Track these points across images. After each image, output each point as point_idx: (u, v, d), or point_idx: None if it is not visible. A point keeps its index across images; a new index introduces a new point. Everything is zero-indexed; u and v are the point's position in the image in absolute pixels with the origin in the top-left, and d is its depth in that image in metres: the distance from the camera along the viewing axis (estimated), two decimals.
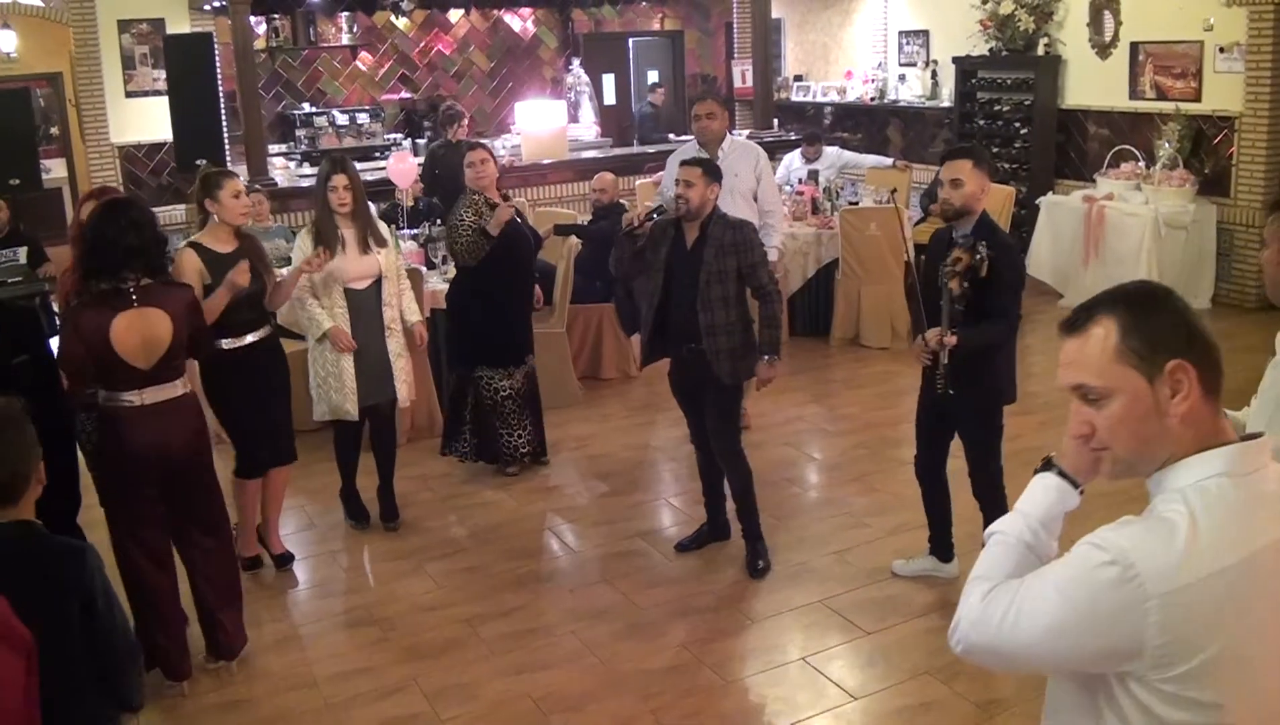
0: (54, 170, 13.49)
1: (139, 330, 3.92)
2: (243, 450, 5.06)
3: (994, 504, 4.51)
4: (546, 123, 10.98)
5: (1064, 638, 1.67)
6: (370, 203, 8.41)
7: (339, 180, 5.28)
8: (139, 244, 3.93)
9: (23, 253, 8.07)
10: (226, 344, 4.74)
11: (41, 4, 11.14)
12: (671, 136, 12.13)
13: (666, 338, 4.97)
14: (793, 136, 11.58)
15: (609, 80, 14.45)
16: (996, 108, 10.92)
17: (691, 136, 6.53)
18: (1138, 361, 1.68)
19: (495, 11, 13.48)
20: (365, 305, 5.38)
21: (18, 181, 9.67)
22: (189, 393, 4.16)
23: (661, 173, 7.08)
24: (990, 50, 10.94)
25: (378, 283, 5.40)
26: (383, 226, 5.54)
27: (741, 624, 4.63)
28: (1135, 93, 9.83)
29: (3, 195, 8.90)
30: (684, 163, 4.97)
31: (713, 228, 4.82)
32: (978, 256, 4.26)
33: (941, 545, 4.87)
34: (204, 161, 9.41)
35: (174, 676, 4.27)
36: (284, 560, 5.32)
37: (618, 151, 11.58)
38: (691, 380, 4.96)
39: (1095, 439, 1.74)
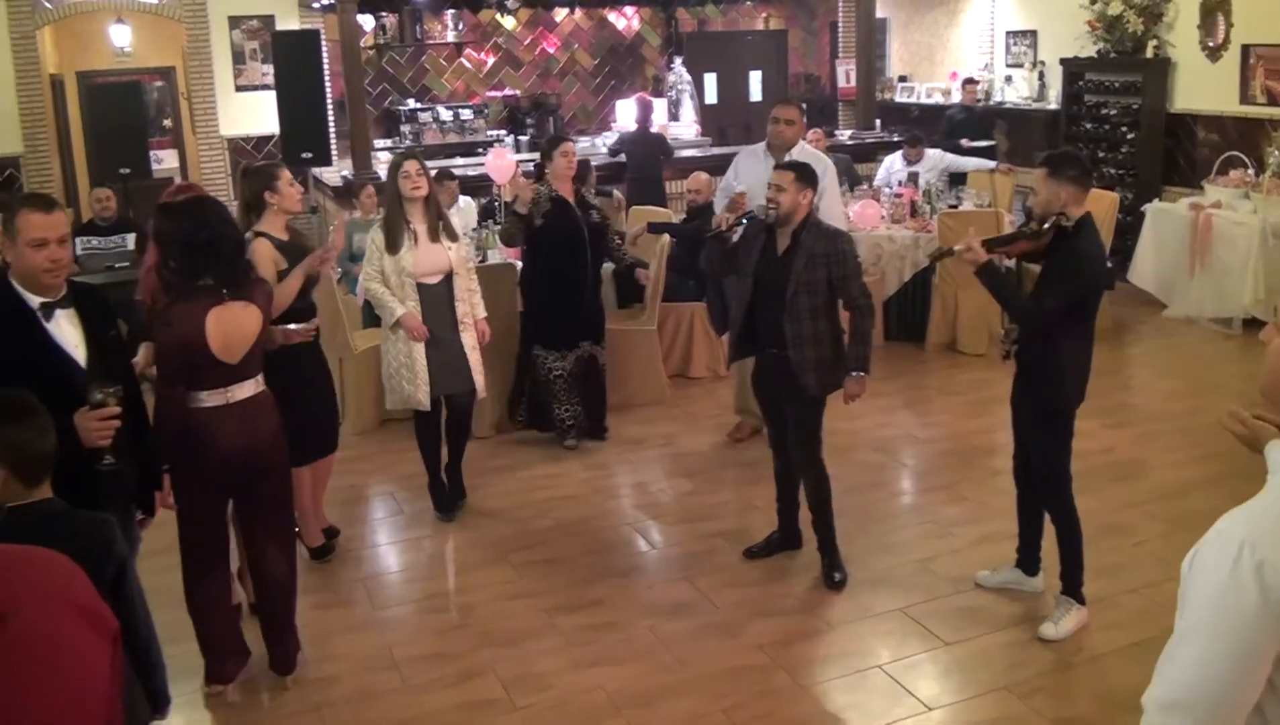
0: (166, 161, 13.94)
1: (229, 325, 3.89)
2: (294, 439, 5.11)
3: (1062, 518, 4.42)
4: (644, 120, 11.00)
5: (1230, 661, 1.63)
6: (468, 198, 8.61)
7: (410, 166, 5.38)
8: (239, 240, 4.00)
9: (131, 239, 8.36)
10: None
11: (155, 1, 11.51)
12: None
13: (754, 339, 4.93)
14: (896, 138, 11.46)
15: (710, 79, 14.43)
16: (1104, 111, 10.66)
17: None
18: None
19: (600, 10, 13.56)
20: (438, 299, 5.48)
21: (128, 171, 10.05)
22: (266, 391, 4.13)
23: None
24: (1098, 52, 10.69)
25: (449, 278, 5.49)
26: (456, 222, 5.65)
27: (819, 629, 4.60)
28: (1246, 97, 9.52)
29: (113, 184, 9.27)
30: (778, 167, 4.91)
31: (805, 236, 4.73)
32: (1038, 225, 4.26)
33: (1029, 558, 4.76)
34: (310, 155, 9.69)
35: (218, 679, 4.26)
36: (328, 535, 5.46)
37: (716, 151, 11.56)
38: (775, 384, 4.91)
39: None
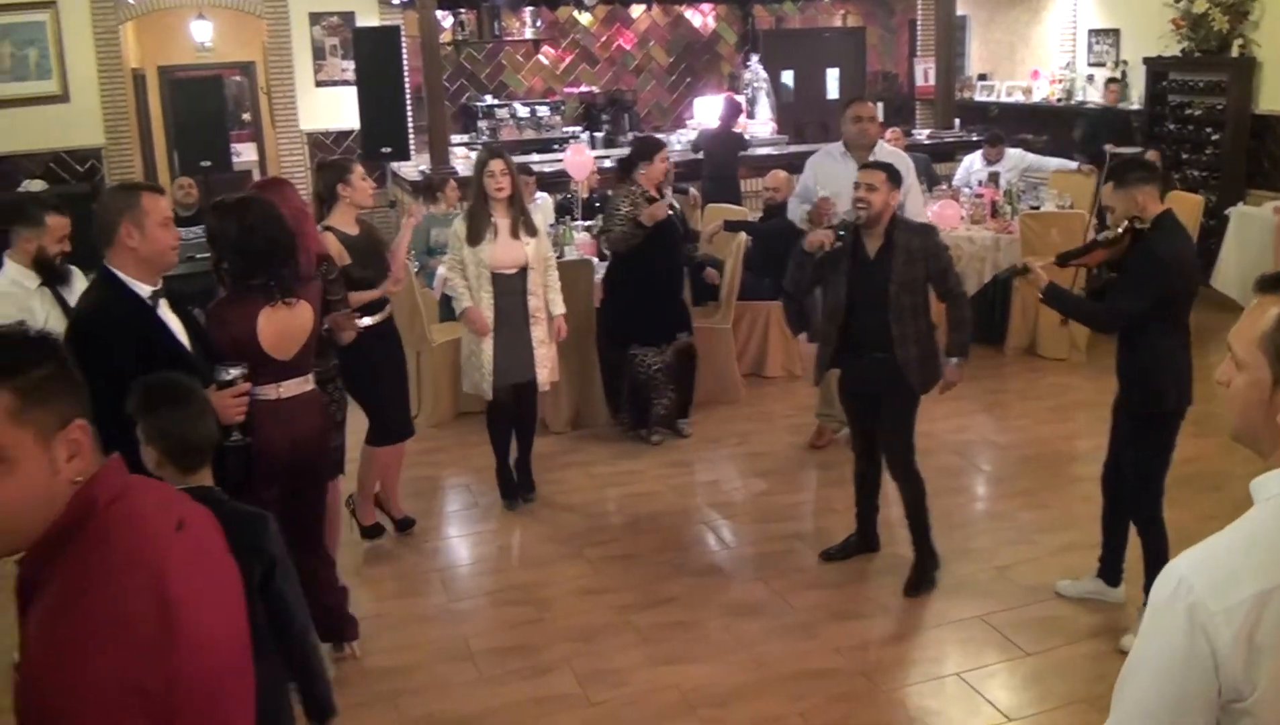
0: (244, 154, 14.15)
1: (282, 323, 3.92)
2: (378, 421, 5.23)
3: (1150, 529, 4.33)
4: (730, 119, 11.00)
5: (1163, 702, 1.59)
6: (546, 194, 8.64)
7: (496, 165, 5.43)
8: (286, 240, 3.97)
9: None
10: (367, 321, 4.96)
11: None
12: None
13: (848, 347, 4.83)
14: (974, 138, 11.31)
15: (787, 76, 14.35)
16: (1187, 111, 10.40)
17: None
18: (1273, 357, 1.64)
19: (677, 7, 13.54)
20: (511, 291, 5.54)
21: (209, 164, 10.22)
22: (316, 389, 4.16)
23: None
24: (1182, 51, 10.44)
25: (524, 271, 5.54)
26: (538, 217, 5.71)
27: (897, 633, 4.56)
28: None
29: (195, 176, 9.45)
30: (865, 166, 4.86)
31: (898, 235, 4.68)
32: (1112, 231, 4.19)
33: (1112, 568, 4.67)
34: (389, 149, 9.78)
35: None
36: (404, 524, 5.56)
37: (793, 149, 11.50)
38: (871, 390, 4.82)
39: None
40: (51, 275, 4.66)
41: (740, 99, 11.41)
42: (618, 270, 6.45)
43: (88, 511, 1.61)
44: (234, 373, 3.39)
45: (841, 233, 4.75)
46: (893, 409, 4.78)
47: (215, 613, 1.70)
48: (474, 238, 5.46)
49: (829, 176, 6.12)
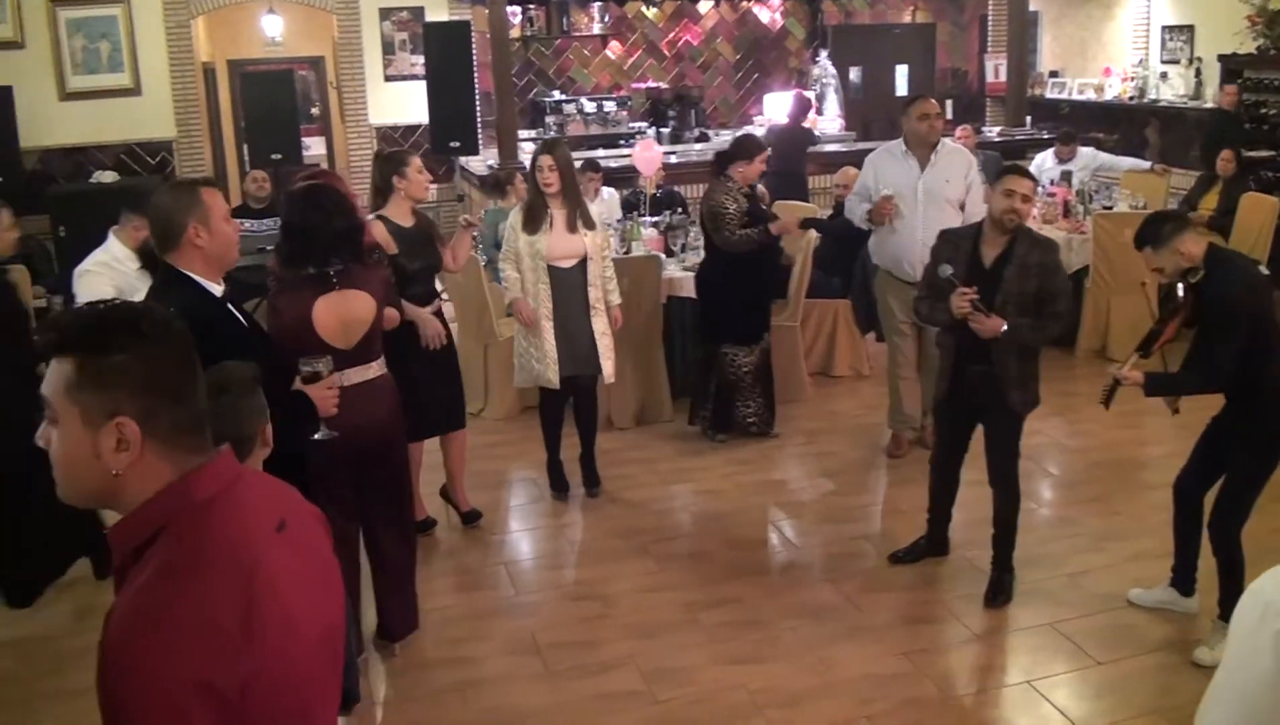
0: (313, 148, 14.31)
1: (339, 312, 3.93)
2: (414, 416, 5.17)
3: (1228, 543, 4.23)
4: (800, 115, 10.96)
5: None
6: (611, 189, 8.65)
7: (545, 161, 5.47)
8: (345, 228, 3.98)
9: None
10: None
11: None
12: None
13: (956, 357, 4.70)
14: (1045, 136, 11.16)
15: (855, 73, 14.24)
16: (1263, 110, 10.17)
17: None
18: None
19: (744, 3, 13.50)
20: (570, 284, 5.57)
21: (280, 157, 10.36)
22: (385, 374, 4.18)
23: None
24: (1258, 48, 10.21)
25: (583, 263, 5.56)
26: (594, 210, 5.70)
27: (966, 638, 4.51)
28: None
29: (265, 169, 9.59)
30: (1015, 173, 4.60)
31: (1019, 246, 4.51)
32: (1175, 299, 4.10)
33: (1185, 578, 4.58)
34: (457, 144, 9.86)
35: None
36: (470, 517, 5.61)
37: (861, 146, 11.41)
38: (972, 402, 4.71)
39: None
40: (153, 264, 4.74)
41: (810, 95, 11.34)
42: (716, 268, 6.34)
43: (181, 506, 1.62)
44: (318, 365, 3.42)
45: (953, 280, 4.55)
46: (1002, 421, 4.65)
47: (306, 618, 1.68)
48: (529, 227, 5.51)
49: (889, 175, 6.09)
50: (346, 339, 3.98)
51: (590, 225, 5.59)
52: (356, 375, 4.02)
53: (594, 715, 4.05)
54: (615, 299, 5.78)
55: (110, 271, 5.28)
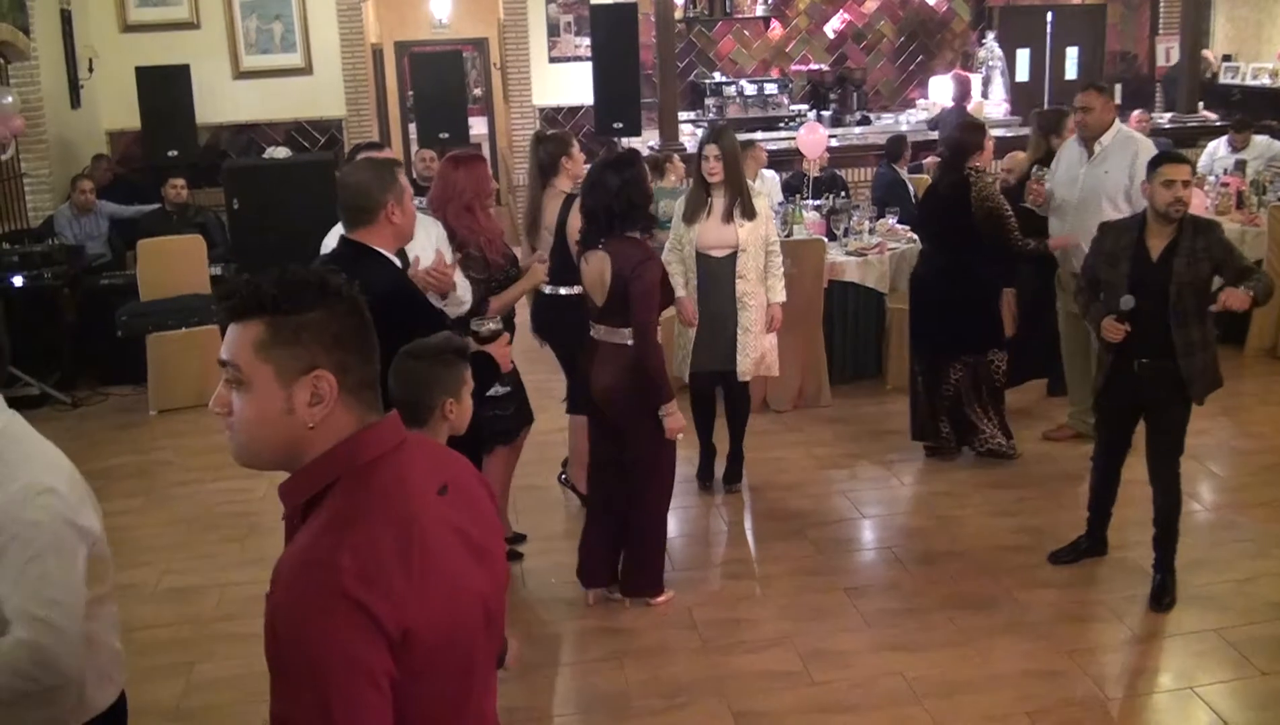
0: (476, 128, 14.63)
1: (595, 269, 4.45)
2: (573, 390, 5.43)
3: None
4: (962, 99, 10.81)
5: None
6: (773, 172, 8.65)
7: (710, 150, 5.43)
8: (635, 197, 4.42)
9: None
10: (564, 291, 5.17)
11: None
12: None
13: (1123, 352, 4.56)
14: (1218, 123, 10.72)
15: (1023, 55, 13.86)
16: None
17: None
18: None
19: None
20: (719, 274, 5.50)
21: (447, 136, 10.64)
22: (626, 346, 4.44)
23: None
24: None
25: (734, 254, 5.47)
26: (760, 202, 5.54)
27: (1128, 640, 4.41)
28: None
29: (433, 147, 9.85)
30: (1170, 161, 4.48)
31: (1184, 235, 4.41)
32: None
33: None
34: (620, 125, 9.97)
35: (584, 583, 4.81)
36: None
37: (1026, 131, 11.13)
38: (1143, 397, 4.58)
39: None
40: None
41: (975, 78, 11.10)
42: (987, 266, 5.85)
43: (346, 466, 1.67)
44: (493, 325, 3.62)
45: (1125, 314, 4.45)
46: (1168, 417, 4.55)
47: (464, 578, 1.72)
48: (688, 216, 5.53)
49: (1060, 163, 6.08)
50: (599, 297, 4.52)
51: (750, 215, 5.44)
52: (602, 335, 4.57)
53: (751, 691, 4.11)
54: (778, 296, 5.62)
55: None
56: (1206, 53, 12.77)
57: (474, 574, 1.75)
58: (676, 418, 4.47)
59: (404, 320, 3.14)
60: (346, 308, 1.69)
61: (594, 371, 4.57)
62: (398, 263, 3.52)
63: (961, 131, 5.94)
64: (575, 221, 4.85)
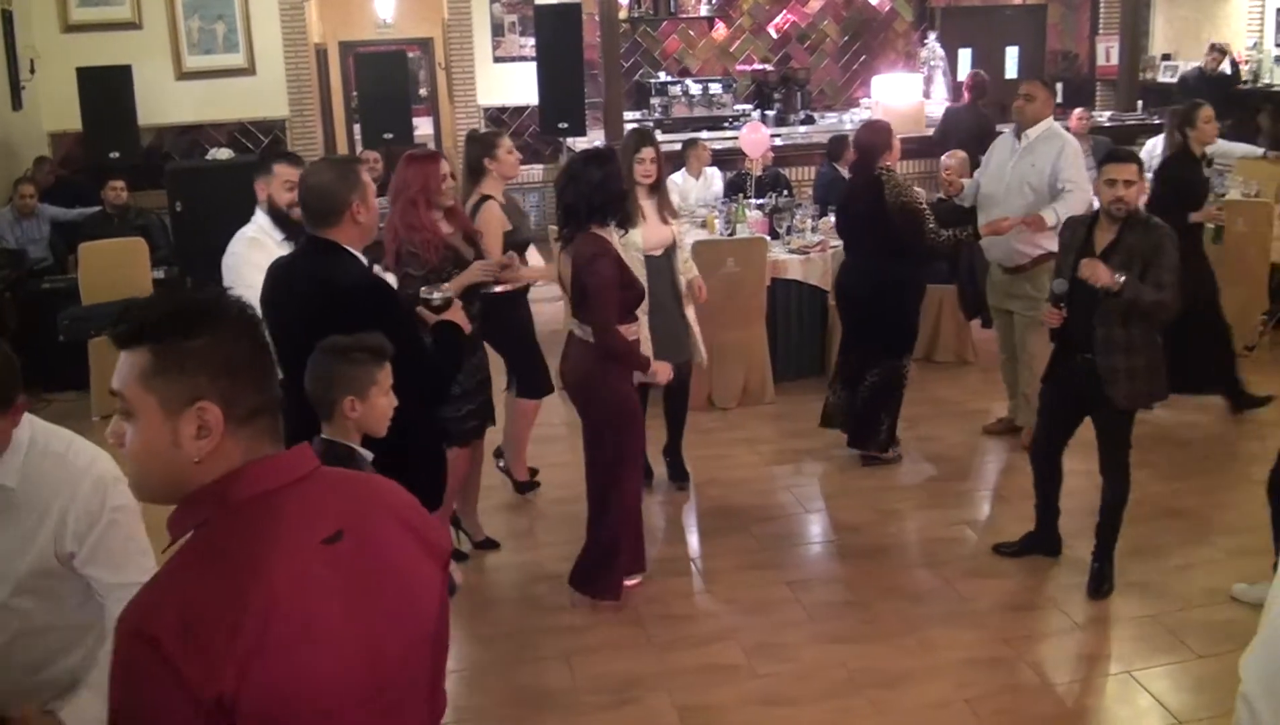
0: (421, 128, 14.57)
1: (564, 265, 4.57)
2: (530, 375, 5.52)
3: None
4: (904, 97, 10.90)
5: None
6: (717, 170, 8.72)
7: (647, 153, 5.44)
8: (615, 189, 4.54)
9: None
10: (498, 290, 5.13)
11: None
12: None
13: (1062, 344, 4.67)
14: (1157, 121, 10.93)
15: (965, 55, 14.04)
16: None
17: None
18: None
19: None
20: (662, 271, 5.56)
21: (391, 136, 10.60)
22: (587, 343, 4.54)
23: None
24: None
25: (670, 251, 5.58)
26: (676, 199, 5.72)
27: (1066, 627, 4.52)
28: None
29: (377, 148, 9.84)
30: (1114, 160, 4.53)
31: (1127, 233, 4.43)
32: None
33: None
34: (565, 125, 9.99)
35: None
36: (525, 487, 5.85)
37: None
38: (1075, 392, 4.66)
39: None
40: (293, 234, 4.53)
41: (917, 76, 11.22)
42: (901, 271, 5.83)
43: (216, 504, 1.58)
44: (440, 293, 3.77)
45: (1060, 300, 4.55)
46: (1102, 417, 4.61)
47: (331, 643, 1.57)
48: (629, 221, 5.40)
49: (992, 155, 6.25)
50: (566, 291, 4.66)
51: (674, 212, 5.65)
52: (575, 326, 4.67)
53: (697, 685, 4.16)
54: (693, 272, 5.78)
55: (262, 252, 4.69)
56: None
57: (358, 634, 1.61)
58: (663, 368, 4.78)
59: (372, 314, 3.25)
60: (236, 333, 1.61)
61: (564, 365, 4.72)
62: (364, 260, 3.56)
63: (869, 133, 5.98)
64: (486, 225, 5.00)
